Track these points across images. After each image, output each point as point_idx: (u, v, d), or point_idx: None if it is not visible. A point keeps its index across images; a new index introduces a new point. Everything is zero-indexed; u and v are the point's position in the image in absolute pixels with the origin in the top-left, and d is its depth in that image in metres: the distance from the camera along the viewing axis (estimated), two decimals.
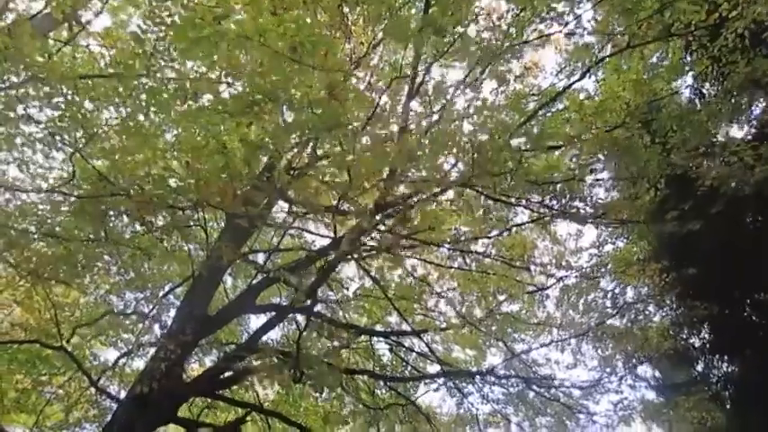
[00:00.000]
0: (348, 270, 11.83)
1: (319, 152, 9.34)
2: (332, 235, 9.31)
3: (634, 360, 10.28)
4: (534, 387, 10.15)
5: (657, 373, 12.54)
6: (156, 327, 9.66)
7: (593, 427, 11.77)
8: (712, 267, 11.08)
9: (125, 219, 7.33)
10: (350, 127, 5.37)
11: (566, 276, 11.15)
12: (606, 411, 11.20)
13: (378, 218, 8.22)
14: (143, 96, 5.49)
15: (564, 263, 11.17)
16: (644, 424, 12.72)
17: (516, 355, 10.01)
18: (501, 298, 11.15)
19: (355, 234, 8.26)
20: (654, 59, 9.11)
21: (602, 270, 11.42)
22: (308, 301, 8.44)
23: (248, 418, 8.83)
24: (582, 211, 7.95)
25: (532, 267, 11.48)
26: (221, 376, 9.23)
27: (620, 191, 8.41)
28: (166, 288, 10.59)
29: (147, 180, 6.12)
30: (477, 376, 10.55)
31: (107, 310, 8.78)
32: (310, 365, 7.72)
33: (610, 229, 12.22)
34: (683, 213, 8.56)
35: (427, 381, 10.63)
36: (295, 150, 9.52)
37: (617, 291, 11.04)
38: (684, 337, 11.91)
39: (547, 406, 11.70)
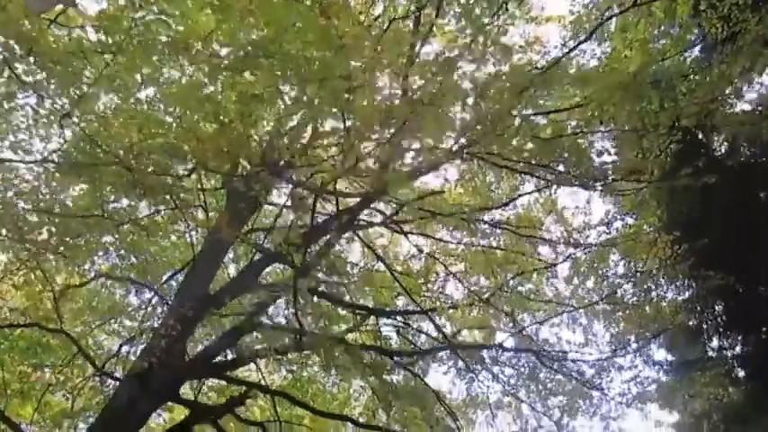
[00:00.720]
0: (354, 256, 11.66)
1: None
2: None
3: (647, 335, 9.98)
4: (545, 361, 9.86)
5: (671, 350, 12.28)
6: (159, 311, 9.54)
7: (607, 408, 11.57)
8: (726, 238, 10.84)
9: (122, 194, 7.14)
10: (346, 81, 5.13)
11: (574, 253, 10.93)
12: (620, 388, 10.96)
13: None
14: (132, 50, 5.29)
15: (572, 239, 10.94)
16: (657, 403, 12.48)
17: (524, 327, 9.72)
18: (509, 275, 10.89)
19: (356, 207, 8.07)
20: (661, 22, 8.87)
21: (612, 248, 11.19)
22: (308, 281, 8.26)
23: (250, 398, 8.59)
24: (590, 174, 7.68)
25: (540, 245, 11.29)
26: (224, 356, 9.09)
27: (629, 147, 8.14)
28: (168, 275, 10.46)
29: (141, 147, 5.93)
30: (486, 351, 10.27)
31: (98, 274, 8.41)
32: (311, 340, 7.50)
33: (618, 200, 11.99)
34: (696, 170, 8.29)
35: (435, 360, 10.40)
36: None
37: (629, 265, 10.76)
38: (698, 310, 11.65)
39: (558, 385, 11.48)
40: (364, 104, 5.28)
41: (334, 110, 5.86)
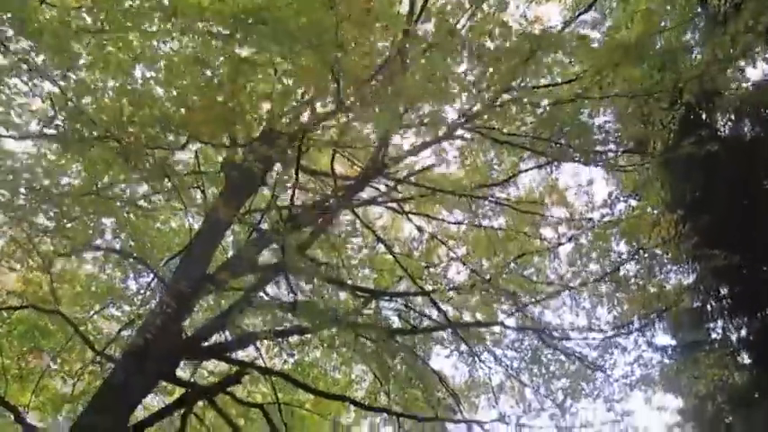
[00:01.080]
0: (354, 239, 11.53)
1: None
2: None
3: (651, 315, 9.85)
4: (547, 340, 9.74)
5: (674, 332, 12.18)
6: (158, 295, 9.45)
7: (610, 390, 11.46)
8: (730, 217, 10.72)
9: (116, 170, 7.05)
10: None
11: (577, 234, 10.79)
12: (624, 370, 10.85)
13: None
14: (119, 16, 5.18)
15: (574, 221, 10.81)
16: (660, 387, 12.36)
17: (527, 305, 9.58)
18: (511, 257, 10.75)
19: (354, 185, 7.96)
20: None
21: (615, 229, 11.05)
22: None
23: (246, 374, 8.48)
24: (591, 146, 7.54)
25: (542, 227, 11.15)
26: (224, 338, 9.01)
27: (631, 118, 7.98)
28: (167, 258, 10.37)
29: (132, 120, 5.83)
30: (488, 333, 10.17)
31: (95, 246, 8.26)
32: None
33: (621, 182, 11.85)
34: (700, 139, 8.14)
35: (437, 343, 10.30)
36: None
37: (632, 246, 10.60)
38: (702, 291, 11.54)
39: (561, 368, 11.37)
40: (355, 63, 5.15)
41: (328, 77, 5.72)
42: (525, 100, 6.72)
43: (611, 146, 7.88)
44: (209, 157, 11.27)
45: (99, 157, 6.60)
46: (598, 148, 7.71)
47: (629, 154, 8.67)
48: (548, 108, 7.14)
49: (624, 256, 9.41)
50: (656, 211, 11.36)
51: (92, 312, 11.19)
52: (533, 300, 9.77)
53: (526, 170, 9.24)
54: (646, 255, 9.22)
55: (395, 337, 9.03)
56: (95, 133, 5.97)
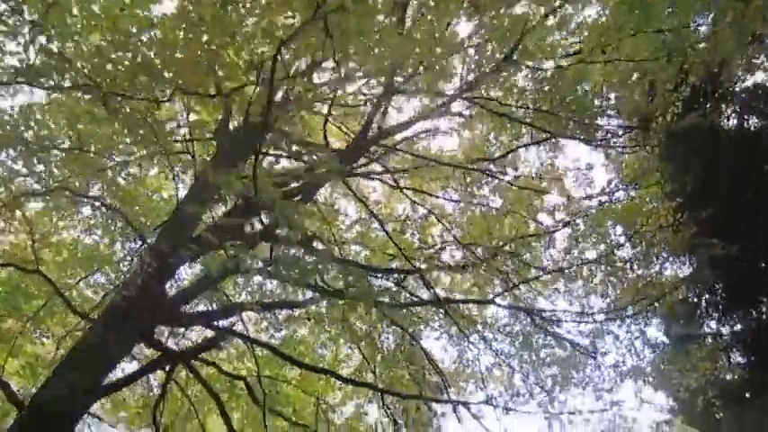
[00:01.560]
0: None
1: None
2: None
3: (644, 302, 9.65)
4: (538, 322, 9.54)
5: (667, 324, 11.98)
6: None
7: (600, 379, 11.30)
8: (729, 210, 10.52)
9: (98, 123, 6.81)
10: None
11: (574, 219, 10.61)
12: (615, 358, 10.69)
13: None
14: None
15: (571, 206, 10.63)
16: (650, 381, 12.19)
17: (519, 284, 9.37)
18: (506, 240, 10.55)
19: (347, 151, 7.73)
20: None
21: (612, 217, 10.85)
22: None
23: (223, 340, 8.27)
24: (593, 117, 7.32)
25: (539, 213, 10.96)
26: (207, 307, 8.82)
27: (634, 91, 7.77)
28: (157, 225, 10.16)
29: (117, 68, 5.59)
30: (479, 318, 10.00)
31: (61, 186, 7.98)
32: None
33: (620, 170, 11.65)
34: (705, 113, 7.92)
35: (424, 317, 10.09)
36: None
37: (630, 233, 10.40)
38: (698, 284, 11.35)
39: (552, 355, 11.20)
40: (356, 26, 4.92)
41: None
42: (527, 64, 6.46)
43: (613, 121, 7.64)
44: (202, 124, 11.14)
45: (82, 110, 6.38)
46: (599, 121, 7.47)
47: (629, 133, 8.44)
48: (549, 74, 6.91)
49: (621, 239, 9.15)
50: (654, 204, 11.19)
51: (77, 279, 11.03)
52: (527, 279, 9.49)
53: (524, 146, 9.03)
54: (642, 241, 8.98)
55: (383, 311, 8.79)
56: (79, 80, 5.74)
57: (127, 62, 5.46)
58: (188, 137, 9.25)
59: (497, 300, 8.99)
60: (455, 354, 11.30)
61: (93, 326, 7.03)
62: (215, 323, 8.57)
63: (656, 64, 7.33)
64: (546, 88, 7.06)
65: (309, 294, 10.87)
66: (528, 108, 7.49)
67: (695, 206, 10.23)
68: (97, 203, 8.05)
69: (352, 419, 10.82)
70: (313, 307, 11.24)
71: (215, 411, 12.03)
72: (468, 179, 9.16)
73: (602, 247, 9.82)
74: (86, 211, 10.70)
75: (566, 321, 9.65)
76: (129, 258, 10.19)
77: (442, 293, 11.61)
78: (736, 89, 12.00)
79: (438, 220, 10.06)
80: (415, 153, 8.53)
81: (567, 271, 9.37)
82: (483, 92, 7.57)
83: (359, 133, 8.17)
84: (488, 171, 8.88)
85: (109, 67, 5.56)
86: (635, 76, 7.52)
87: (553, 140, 8.92)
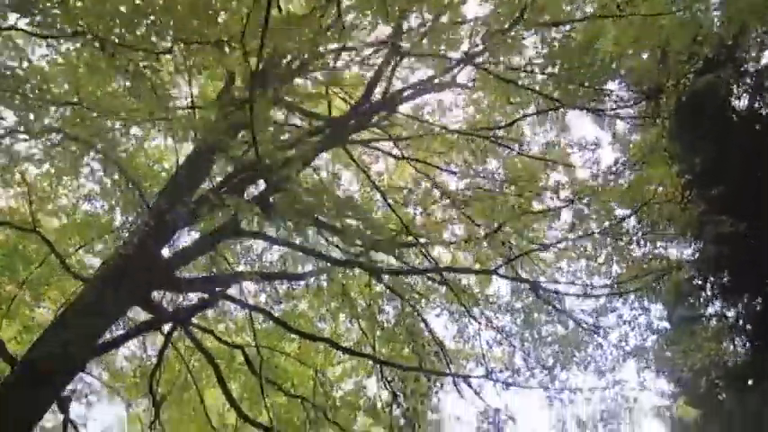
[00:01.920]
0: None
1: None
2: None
3: (649, 278, 9.47)
4: (541, 295, 9.36)
5: (671, 304, 11.83)
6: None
7: (603, 358, 11.17)
8: (738, 191, 10.33)
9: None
10: None
11: (579, 197, 10.43)
12: (618, 334, 10.53)
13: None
14: None
15: (578, 186, 10.45)
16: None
17: (521, 255, 9.17)
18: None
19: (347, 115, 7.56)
20: None
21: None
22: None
23: (216, 300, 8.16)
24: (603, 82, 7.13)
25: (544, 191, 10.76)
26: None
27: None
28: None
29: (115, 12, 5.42)
30: (480, 295, 9.84)
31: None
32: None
33: (627, 150, 11.45)
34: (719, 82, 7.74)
35: (424, 292, 9.95)
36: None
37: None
38: (705, 262, 11.18)
39: (554, 334, 11.07)
40: None
41: None
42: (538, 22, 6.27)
43: (623, 93, 7.45)
44: (205, 96, 10.99)
45: (83, 61, 6.23)
46: (609, 87, 7.28)
47: (639, 104, 8.25)
48: (559, 38, 6.71)
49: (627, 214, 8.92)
50: (662, 182, 10.99)
51: (77, 247, 10.93)
52: (530, 250, 9.32)
53: (531, 114, 8.83)
54: (648, 216, 8.77)
55: (383, 280, 8.65)
56: (78, 27, 5.59)
57: (125, 6, 5.30)
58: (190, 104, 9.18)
59: (500, 271, 8.78)
60: (455, 331, 11.20)
61: (89, 285, 6.93)
62: (213, 289, 8.48)
63: (668, 31, 7.11)
64: (555, 52, 6.86)
65: (309, 267, 10.81)
66: (536, 73, 7.29)
67: (704, 185, 10.05)
68: (101, 156, 7.75)
69: (350, 394, 10.70)
70: (312, 281, 11.18)
71: (212, 384, 12.11)
72: (473, 147, 8.95)
73: (607, 223, 9.61)
74: (86, 180, 10.65)
75: (568, 295, 9.47)
76: (128, 225, 10.08)
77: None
78: (750, 68, 11.78)
79: (442, 194, 9.85)
80: (420, 119, 8.33)
81: (571, 243, 9.13)
82: (490, 57, 7.38)
83: (362, 96, 7.99)
84: (493, 138, 8.65)
85: (107, 6, 5.38)
86: (647, 44, 7.29)
87: (561, 111, 8.72)
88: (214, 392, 12.71)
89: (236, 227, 7.40)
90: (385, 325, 10.52)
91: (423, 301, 10.88)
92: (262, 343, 10.84)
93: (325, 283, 10.96)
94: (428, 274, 10.26)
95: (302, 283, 11.51)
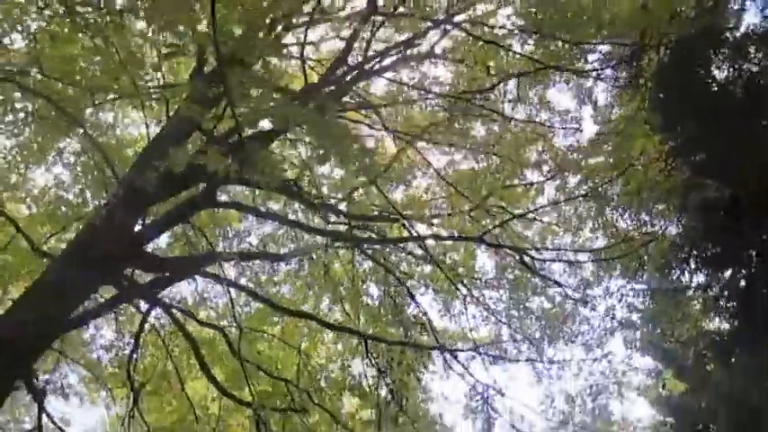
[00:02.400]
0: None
1: None
2: None
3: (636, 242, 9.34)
4: (528, 263, 9.18)
5: (657, 275, 11.72)
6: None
7: (590, 332, 11.07)
8: (727, 151, 10.21)
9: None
10: None
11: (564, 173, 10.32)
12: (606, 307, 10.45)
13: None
14: None
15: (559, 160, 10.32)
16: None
17: (506, 221, 8.97)
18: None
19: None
20: None
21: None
22: None
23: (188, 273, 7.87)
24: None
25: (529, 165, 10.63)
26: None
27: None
28: None
29: None
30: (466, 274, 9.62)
31: None
32: None
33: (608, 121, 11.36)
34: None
35: (408, 270, 9.74)
36: None
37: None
38: (689, 234, 11.07)
39: (540, 309, 10.94)
40: None
41: None
42: None
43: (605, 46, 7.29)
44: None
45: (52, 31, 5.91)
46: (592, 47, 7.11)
47: (621, 65, 8.11)
48: None
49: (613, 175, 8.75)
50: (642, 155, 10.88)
51: (48, 235, 10.53)
52: (514, 216, 9.15)
53: (515, 76, 8.62)
54: (633, 179, 8.64)
55: (366, 251, 8.41)
56: None
57: None
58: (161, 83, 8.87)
59: (485, 238, 8.58)
60: (441, 307, 10.99)
61: (53, 263, 6.60)
62: (189, 268, 8.18)
63: None
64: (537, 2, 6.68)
65: (293, 246, 10.56)
66: (516, 32, 7.10)
67: (687, 152, 9.96)
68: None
69: (336, 374, 10.43)
70: (294, 262, 10.92)
71: (193, 376, 11.80)
72: (455, 114, 8.73)
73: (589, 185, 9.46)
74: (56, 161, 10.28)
75: (555, 261, 9.33)
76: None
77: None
78: (728, 36, 11.71)
79: (424, 161, 9.60)
80: (400, 82, 8.10)
81: (556, 208, 8.99)
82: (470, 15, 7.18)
83: (337, 58, 7.74)
84: (475, 101, 8.43)
85: None
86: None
87: (542, 86, 8.53)
88: (196, 384, 12.42)
89: (210, 196, 7.10)
90: (369, 302, 10.29)
91: (408, 280, 10.67)
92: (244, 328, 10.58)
93: (306, 265, 10.73)
94: (413, 250, 10.09)
95: (283, 265, 11.31)
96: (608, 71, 8.70)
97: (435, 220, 10.00)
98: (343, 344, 10.76)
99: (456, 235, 10.65)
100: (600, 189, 8.64)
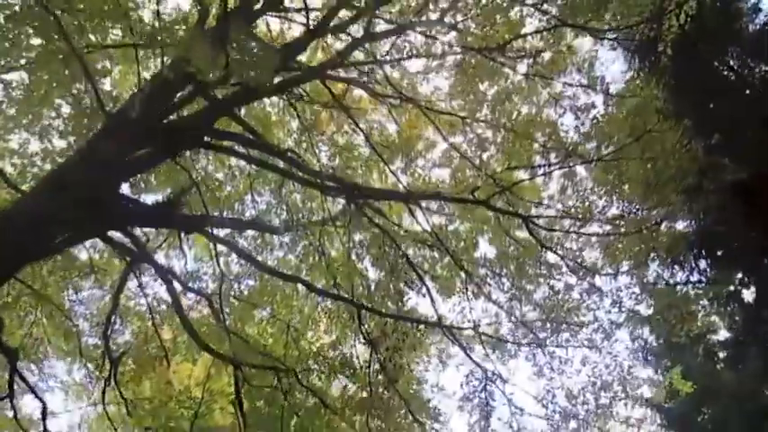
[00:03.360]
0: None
1: None
2: None
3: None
4: (534, 232, 8.63)
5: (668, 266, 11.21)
6: None
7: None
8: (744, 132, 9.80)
9: None
10: None
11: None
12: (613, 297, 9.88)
13: None
14: None
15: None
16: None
17: (510, 187, 8.40)
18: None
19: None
20: None
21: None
22: None
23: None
24: None
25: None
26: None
27: None
28: None
29: None
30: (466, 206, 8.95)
31: None
32: None
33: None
34: None
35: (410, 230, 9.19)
36: None
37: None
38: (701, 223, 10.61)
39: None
40: None
41: None
42: None
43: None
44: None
45: None
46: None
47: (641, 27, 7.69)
48: None
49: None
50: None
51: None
52: (517, 182, 8.62)
53: (526, 35, 8.17)
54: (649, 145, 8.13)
55: (360, 206, 7.87)
56: None
57: None
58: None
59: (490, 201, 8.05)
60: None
61: (26, 194, 6.12)
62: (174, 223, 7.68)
63: None
64: None
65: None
66: None
67: (703, 133, 9.52)
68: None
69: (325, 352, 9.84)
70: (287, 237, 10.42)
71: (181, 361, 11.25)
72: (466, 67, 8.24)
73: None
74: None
75: (563, 232, 8.81)
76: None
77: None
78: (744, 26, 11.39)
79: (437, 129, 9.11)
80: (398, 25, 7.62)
81: (567, 169, 8.47)
82: None
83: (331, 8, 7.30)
84: (487, 54, 7.94)
85: None
86: None
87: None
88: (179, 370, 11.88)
89: (197, 138, 6.61)
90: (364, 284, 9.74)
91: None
92: (232, 315, 10.07)
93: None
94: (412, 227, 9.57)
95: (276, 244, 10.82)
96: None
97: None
98: (334, 323, 10.17)
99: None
100: (615, 154, 8.05)
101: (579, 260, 9.14)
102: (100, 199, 6.13)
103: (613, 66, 11.22)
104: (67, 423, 12.99)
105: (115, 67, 10.43)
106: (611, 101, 8.80)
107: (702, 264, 11.69)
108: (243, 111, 9.07)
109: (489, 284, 9.66)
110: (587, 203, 8.80)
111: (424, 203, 8.88)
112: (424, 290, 8.60)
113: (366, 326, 8.27)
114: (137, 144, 6.68)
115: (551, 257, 9.54)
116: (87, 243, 10.25)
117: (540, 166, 8.92)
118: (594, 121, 8.65)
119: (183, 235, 9.14)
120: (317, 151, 9.26)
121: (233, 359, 7.80)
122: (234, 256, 10.81)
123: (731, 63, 11.48)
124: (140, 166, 6.86)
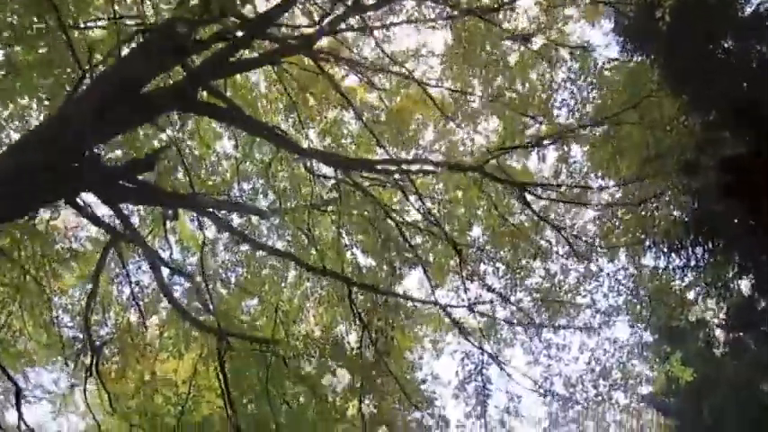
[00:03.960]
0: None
1: None
2: None
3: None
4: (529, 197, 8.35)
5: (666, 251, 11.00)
6: None
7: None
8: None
9: None
10: None
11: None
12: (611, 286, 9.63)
13: None
14: None
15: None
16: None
17: (506, 150, 8.12)
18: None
19: None
20: None
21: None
22: None
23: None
24: None
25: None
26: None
27: None
28: None
29: None
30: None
31: None
32: None
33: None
34: None
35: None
36: None
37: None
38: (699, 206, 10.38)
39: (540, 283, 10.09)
40: None
41: None
42: None
43: None
44: None
45: None
46: None
47: None
48: None
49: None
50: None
51: None
52: (512, 147, 8.35)
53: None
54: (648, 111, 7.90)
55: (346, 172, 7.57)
56: None
57: None
58: None
59: (485, 168, 7.76)
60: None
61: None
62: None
63: None
64: None
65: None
66: None
67: (700, 110, 9.34)
68: None
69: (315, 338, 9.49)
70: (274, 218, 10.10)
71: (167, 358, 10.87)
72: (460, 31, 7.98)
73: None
74: None
75: (558, 201, 8.54)
76: None
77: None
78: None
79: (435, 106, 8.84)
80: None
81: (568, 134, 8.19)
82: None
83: None
84: (481, 14, 7.69)
85: None
86: None
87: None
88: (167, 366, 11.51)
89: (181, 96, 6.28)
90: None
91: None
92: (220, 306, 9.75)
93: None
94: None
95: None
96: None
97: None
98: (325, 308, 9.84)
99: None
100: (612, 119, 7.78)
101: (576, 235, 8.79)
102: (73, 160, 5.81)
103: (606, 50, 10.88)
104: None
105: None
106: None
107: (699, 250, 11.49)
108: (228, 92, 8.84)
109: (484, 263, 9.42)
110: (583, 178, 8.55)
111: (418, 181, 8.67)
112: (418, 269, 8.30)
113: (357, 307, 7.93)
114: (113, 108, 6.39)
115: (547, 236, 9.34)
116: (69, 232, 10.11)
117: (533, 144, 8.61)
118: (591, 86, 8.39)
119: (167, 224, 8.80)
120: (305, 131, 8.94)
121: (218, 330, 7.44)
122: (220, 245, 10.68)
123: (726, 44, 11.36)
124: (116, 129, 6.50)
